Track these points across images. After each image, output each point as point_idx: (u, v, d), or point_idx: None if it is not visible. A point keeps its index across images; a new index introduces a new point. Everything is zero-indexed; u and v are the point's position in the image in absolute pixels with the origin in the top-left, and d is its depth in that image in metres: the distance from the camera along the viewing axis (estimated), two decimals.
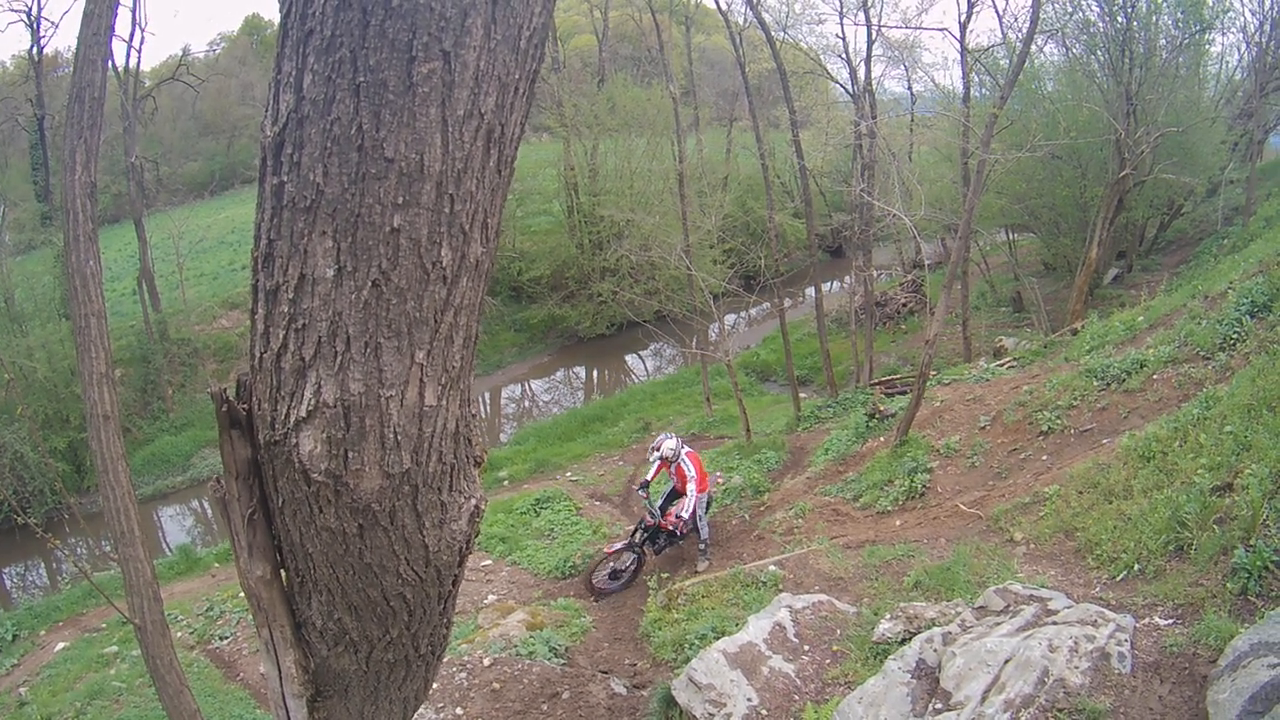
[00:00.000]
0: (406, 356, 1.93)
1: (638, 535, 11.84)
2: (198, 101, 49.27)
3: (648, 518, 11.72)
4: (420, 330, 1.92)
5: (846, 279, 30.32)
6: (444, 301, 1.93)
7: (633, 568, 11.95)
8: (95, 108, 3.70)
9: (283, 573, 2.57)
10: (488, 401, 31.55)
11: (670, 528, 11.55)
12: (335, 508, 2.11)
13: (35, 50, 34.43)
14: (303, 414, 1.98)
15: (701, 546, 11.70)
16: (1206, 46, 26.34)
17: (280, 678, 2.70)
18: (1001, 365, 16.70)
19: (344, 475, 2.03)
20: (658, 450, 11.58)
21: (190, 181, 51.58)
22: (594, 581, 11.82)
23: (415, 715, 7.94)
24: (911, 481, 11.64)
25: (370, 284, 1.84)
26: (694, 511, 11.45)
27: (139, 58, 36.54)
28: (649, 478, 11.98)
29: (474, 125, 1.81)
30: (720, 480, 15.34)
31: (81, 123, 3.68)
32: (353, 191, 1.77)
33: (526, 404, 31.72)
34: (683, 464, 11.49)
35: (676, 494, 11.87)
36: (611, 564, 11.90)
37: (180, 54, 46.92)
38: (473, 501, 2.38)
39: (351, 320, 1.86)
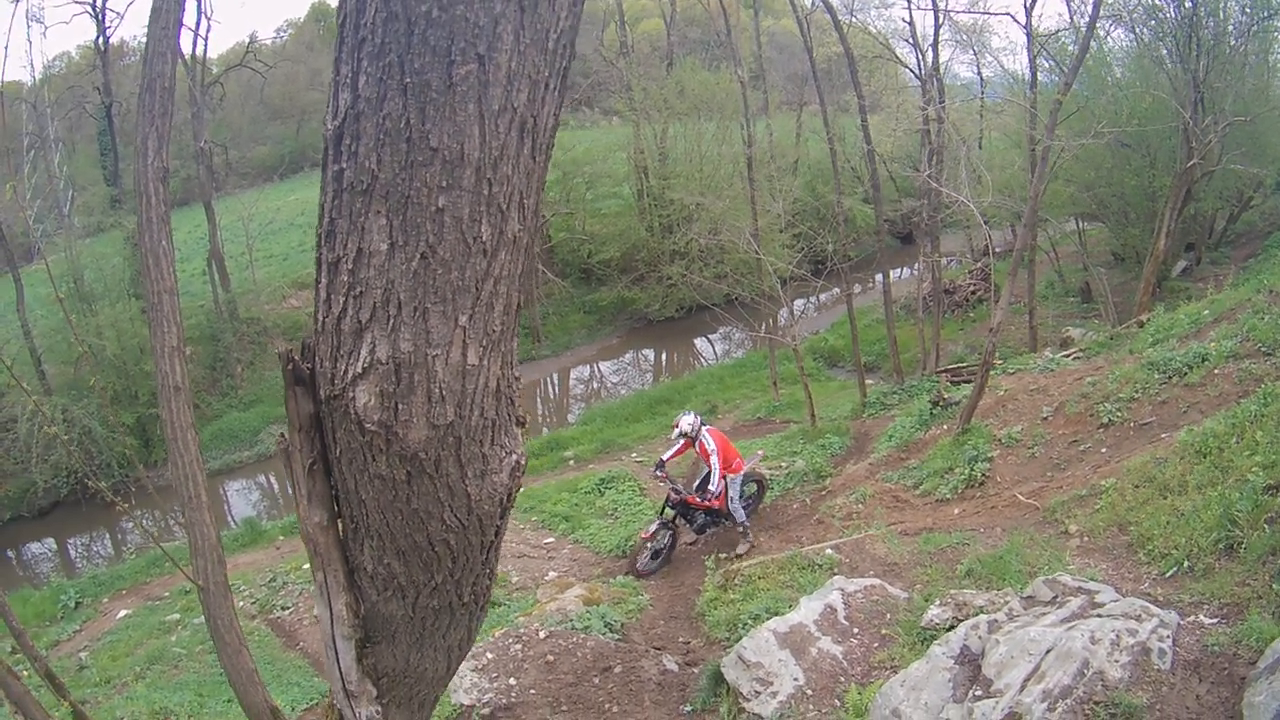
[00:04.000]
0: (451, 320, 2.18)
1: (666, 511, 12.00)
2: (265, 87, 49.75)
3: (672, 494, 11.84)
4: (463, 297, 2.17)
5: (915, 265, 29.85)
6: (484, 272, 2.18)
7: (670, 544, 12.14)
8: (165, 97, 3.93)
9: (339, 521, 2.84)
10: (556, 382, 31.89)
11: (700, 502, 11.67)
12: (386, 456, 2.36)
13: (101, 40, 36.00)
14: (359, 370, 2.24)
15: (741, 529, 11.74)
16: (1276, 34, 25.18)
17: (332, 620, 2.97)
18: (1067, 356, 16.40)
19: (394, 425, 2.29)
20: (677, 428, 11.64)
21: (260, 165, 52.34)
22: (638, 567, 11.96)
23: (469, 682, 8.16)
24: (971, 470, 11.52)
25: (419, 256, 2.09)
26: (724, 491, 11.54)
27: (205, 45, 37.24)
28: (665, 457, 12.08)
29: (508, 118, 2.05)
30: (783, 465, 15.29)
31: (153, 111, 3.91)
32: (403, 176, 2.03)
33: (595, 385, 31.90)
34: (703, 440, 11.52)
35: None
36: (650, 546, 12.01)
37: (248, 41, 47.69)
38: (514, 456, 2.61)
39: (402, 288, 2.12)
